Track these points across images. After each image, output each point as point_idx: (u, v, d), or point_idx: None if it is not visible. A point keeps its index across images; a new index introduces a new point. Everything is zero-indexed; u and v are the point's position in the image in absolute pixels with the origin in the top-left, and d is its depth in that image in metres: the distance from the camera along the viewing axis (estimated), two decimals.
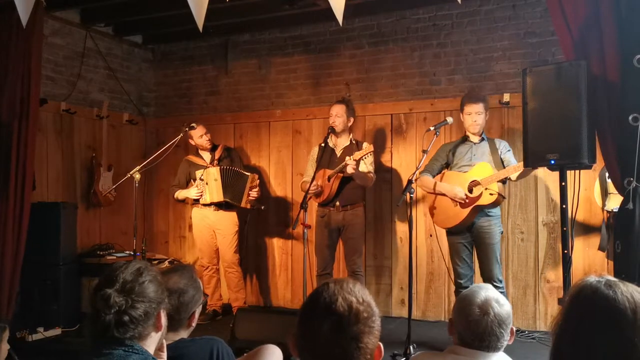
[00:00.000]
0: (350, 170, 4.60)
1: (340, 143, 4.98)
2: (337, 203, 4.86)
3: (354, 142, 4.97)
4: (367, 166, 4.80)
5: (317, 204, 5.04)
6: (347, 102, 4.98)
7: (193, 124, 5.29)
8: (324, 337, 1.35)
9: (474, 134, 4.37)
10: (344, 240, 4.98)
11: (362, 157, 4.60)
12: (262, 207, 5.55)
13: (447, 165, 4.44)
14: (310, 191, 4.72)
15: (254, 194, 5.34)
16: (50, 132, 5.48)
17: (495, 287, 3.87)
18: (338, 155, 4.94)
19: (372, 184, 4.97)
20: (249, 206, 5.38)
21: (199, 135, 5.34)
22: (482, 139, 4.37)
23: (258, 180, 5.43)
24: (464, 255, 4.35)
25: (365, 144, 4.93)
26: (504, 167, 4.21)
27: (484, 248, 4.26)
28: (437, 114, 5.22)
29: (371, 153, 4.65)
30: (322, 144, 4.89)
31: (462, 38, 5.24)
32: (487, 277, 4.20)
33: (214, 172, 5.27)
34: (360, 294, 1.41)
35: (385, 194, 5.42)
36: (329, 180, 4.83)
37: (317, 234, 5.03)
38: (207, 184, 5.26)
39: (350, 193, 4.84)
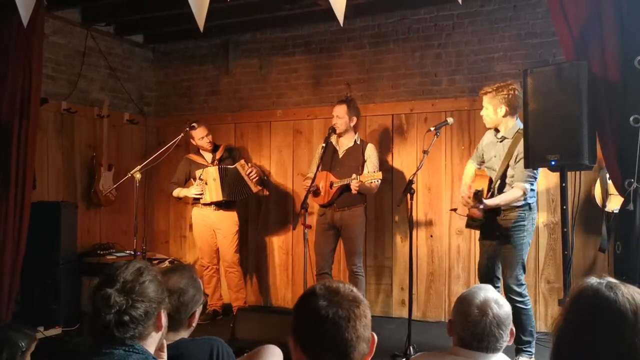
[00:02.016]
0: (353, 190, 4.67)
1: (343, 144, 4.97)
2: (335, 204, 4.88)
3: (357, 142, 4.95)
4: (373, 169, 4.78)
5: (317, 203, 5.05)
6: (348, 102, 4.95)
7: (194, 124, 5.30)
8: (324, 306, 1.42)
9: (488, 129, 4.16)
10: (343, 241, 4.98)
11: (368, 180, 4.60)
12: (265, 177, 5.58)
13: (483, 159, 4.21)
14: (307, 188, 4.77)
15: (253, 175, 5.33)
16: (51, 131, 5.48)
17: (512, 299, 3.75)
18: (340, 157, 4.94)
19: (375, 190, 4.91)
20: (260, 187, 5.43)
21: (200, 137, 5.34)
22: (504, 138, 4.00)
23: (247, 164, 5.39)
24: (482, 255, 4.17)
25: (369, 145, 4.92)
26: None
27: (500, 254, 4.01)
28: (438, 115, 5.22)
29: (379, 179, 4.62)
30: (324, 144, 4.89)
31: (463, 38, 5.24)
32: (504, 288, 3.98)
33: (213, 172, 5.27)
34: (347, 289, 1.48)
35: (385, 194, 5.41)
36: (331, 187, 4.84)
37: (316, 233, 5.03)
38: (206, 183, 5.27)
39: (348, 197, 4.83)
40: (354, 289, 1.48)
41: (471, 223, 4.08)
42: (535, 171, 3.87)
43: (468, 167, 4.33)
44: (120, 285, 1.69)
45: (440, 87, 5.34)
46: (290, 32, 5.94)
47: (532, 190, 3.93)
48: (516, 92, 3.93)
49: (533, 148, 3.36)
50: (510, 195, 3.87)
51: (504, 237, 3.97)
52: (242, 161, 5.37)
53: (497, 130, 4.08)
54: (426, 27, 5.39)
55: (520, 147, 3.82)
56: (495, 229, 4.02)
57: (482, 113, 4.11)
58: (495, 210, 3.96)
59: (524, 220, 3.93)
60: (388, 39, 5.53)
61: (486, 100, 4.04)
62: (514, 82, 4.01)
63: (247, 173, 5.30)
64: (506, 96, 3.95)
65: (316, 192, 4.88)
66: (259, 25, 5.92)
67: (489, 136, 4.19)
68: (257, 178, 5.37)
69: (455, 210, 4.13)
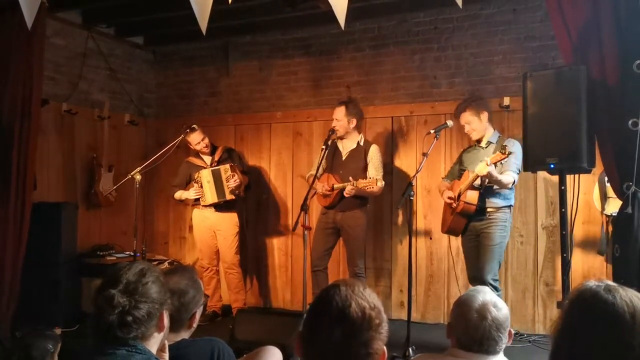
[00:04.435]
0: (346, 194, 4.72)
1: (346, 145, 4.97)
2: (337, 207, 4.90)
3: (361, 144, 4.93)
4: (375, 171, 4.81)
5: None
6: (347, 104, 4.93)
7: (194, 125, 5.31)
8: (336, 341, 1.36)
9: (476, 140, 4.39)
10: (344, 242, 5.00)
11: (365, 187, 4.59)
12: (241, 194, 5.49)
13: (464, 170, 4.43)
14: (311, 191, 4.78)
15: (231, 184, 5.26)
16: (52, 132, 5.49)
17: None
18: (343, 159, 4.94)
19: (379, 192, 4.90)
20: (233, 197, 5.33)
21: (195, 143, 5.33)
22: (490, 143, 4.30)
23: (230, 170, 5.30)
24: (468, 254, 4.41)
25: (372, 147, 4.91)
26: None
27: (481, 249, 4.26)
28: (437, 117, 5.24)
29: (374, 185, 4.62)
30: (324, 146, 4.89)
31: (463, 41, 5.26)
32: (478, 277, 4.20)
33: (207, 174, 5.28)
34: (371, 299, 1.42)
35: (385, 196, 5.42)
36: (332, 190, 4.85)
37: (315, 231, 5.03)
38: (201, 186, 5.28)
39: (350, 199, 4.84)
40: (377, 304, 1.42)
41: (453, 229, 4.43)
42: (519, 167, 4.13)
43: (441, 184, 4.64)
44: (123, 286, 1.71)
45: (440, 89, 5.36)
46: (290, 34, 5.95)
47: (513, 189, 4.25)
48: (483, 99, 4.39)
49: (532, 151, 3.38)
50: (505, 177, 4.08)
51: (486, 236, 4.22)
52: (228, 165, 5.31)
53: (478, 141, 4.38)
54: (426, 30, 5.40)
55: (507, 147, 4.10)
56: (478, 229, 4.28)
57: (466, 130, 4.36)
58: (481, 211, 4.22)
59: (505, 222, 4.23)
60: (388, 41, 5.55)
61: (468, 115, 4.32)
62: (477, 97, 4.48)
63: (225, 177, 5.29)
64: (480, 103, 4.34)
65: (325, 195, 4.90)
66: (259, 28, 5.93)
67: (468, 150, 4.52)
68: (234, 188, 5.30)
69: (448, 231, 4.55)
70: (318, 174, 4.86)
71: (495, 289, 4.13)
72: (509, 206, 4.27)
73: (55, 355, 2.90)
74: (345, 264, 5.13)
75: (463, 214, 4.26)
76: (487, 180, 4.13)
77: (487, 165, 3.91)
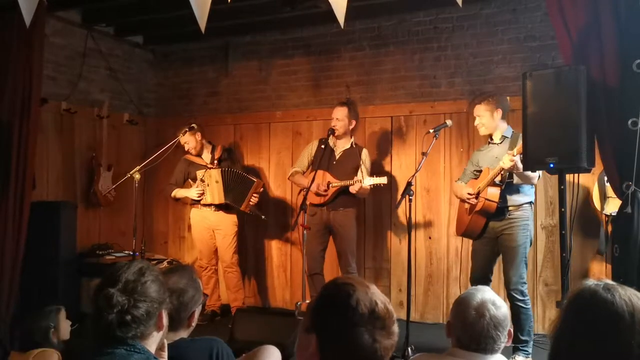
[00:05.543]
0: (353, 191, 4.73)
1: (340, 145, 4.99)
2: (329, 205, 4.91)
3: (354, 146, 4.98)
4: (367, 174, 4.84)
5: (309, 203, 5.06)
6: (349, 105, 4.96)
7: (193, 125, 5.32)
8: (370, 340, 1.39)
9: (485, 136, 4.30)
10: (336, 242, 4.99)
11: (372, 184, 4.64)
12: (263, 217, 5.54)
13: (481, 170, 4.28)
14: (310, 191, 4.77)
15: (254, 199, 5.34)
16: (51, 131, 5.48)
17: (514, 298, 3.88)
18: (337, 158, 4.96)
19: (366, 195, 5.02)
20: (248, 210, 5.39)
21: (182, 143, 5.35)
22: (505, 138, 4.15)
23: (262, 189, 5.45)
24: (478, 257, 4.23)
25: (364, 150, 4.98)
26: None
27: (505, 252, 4.07)
28: (437, 117, 5.24)
29: (384, 183, 4.69)
30: (322, 146, 4.90)
31: (463, 41, 5.26)
32: (506, 286, 4.04)
33: (216, 174, 5.28)
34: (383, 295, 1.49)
35: (384, 196, 5.43)
36: (328, 187, 4.85)
37: (308, 233, 5.03)
38: (208, 185, 5.28)
39: (344, 198, 4.87)
40: (388, 300, 1.49)
41: (470, 231, 4.21)
42: None
43: (457, 185, 4.45)
44: (123, 285, 1.71)
45: (440, 89, 5.36)
46: (290, 34, 5.95)
47: (534, 185, 4.09)
48: (503, 96, 4.17)
49: (532, 151, 3.37)
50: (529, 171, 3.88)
51: (507, 237, 4.05)
52: (262, 182, 5.45)
53: (491, 139, 4.23)
54: (426, 30, 5.40)
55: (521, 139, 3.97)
56: (497, 231, 4.10)
57: (476, 123, 4.23)
58: (502, 211, 4.06)
59: (527, 220, 4.06)
60: (387, 41, 5.55)
61: (481, 109, 4.18)
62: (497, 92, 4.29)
63: (255, 191, 5.33)
64: (499, 99, 4.15)
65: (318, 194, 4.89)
66: (259, 28, 5.93)
67: (481, 149, 4.35)
68: (254, 205, 5.38)
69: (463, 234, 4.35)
70: (306, 172, 4.91)
71: (522, 293, 3.97)
72: (530, 203, 4.08)
73: (61, 325, 3.06)
74: (337, 263, 5.12)
75: (483, 213, 4.08)
76: (507, 176, 4.00)
77: (513, 156, 3.80)
